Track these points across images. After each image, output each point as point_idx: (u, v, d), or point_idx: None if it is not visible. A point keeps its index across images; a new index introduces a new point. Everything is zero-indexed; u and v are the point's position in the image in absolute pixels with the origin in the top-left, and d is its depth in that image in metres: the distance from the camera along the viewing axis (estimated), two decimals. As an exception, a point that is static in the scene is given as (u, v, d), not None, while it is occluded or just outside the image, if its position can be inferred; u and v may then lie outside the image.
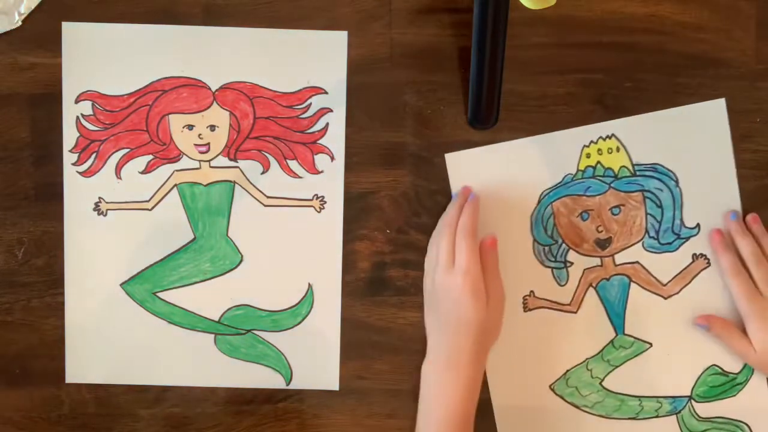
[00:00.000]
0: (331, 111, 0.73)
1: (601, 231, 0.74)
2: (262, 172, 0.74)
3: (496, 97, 0.71)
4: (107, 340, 0.75)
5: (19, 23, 0.72)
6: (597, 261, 0.74)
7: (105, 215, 0.74)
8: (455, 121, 0.74)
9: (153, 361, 0.75)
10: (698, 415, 0.75)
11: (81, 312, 0.75)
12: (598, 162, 0.73)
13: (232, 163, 0.74)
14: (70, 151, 0.74)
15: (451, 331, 0.68)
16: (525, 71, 0.73)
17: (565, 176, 0.74)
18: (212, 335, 0.75)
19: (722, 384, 0.75)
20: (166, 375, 0.76)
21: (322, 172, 0.74)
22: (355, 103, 0.73)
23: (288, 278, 0.75)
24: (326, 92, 0.73)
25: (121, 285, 0.75)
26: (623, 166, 0.73)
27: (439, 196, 0.74)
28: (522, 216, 0.74)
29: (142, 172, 0.74)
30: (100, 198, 0.74)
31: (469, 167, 0.73)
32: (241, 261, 0.75)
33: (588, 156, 0.73)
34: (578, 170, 0.73)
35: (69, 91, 0.73)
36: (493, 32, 0.67)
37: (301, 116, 0.73)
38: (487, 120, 0.73)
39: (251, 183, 0.74)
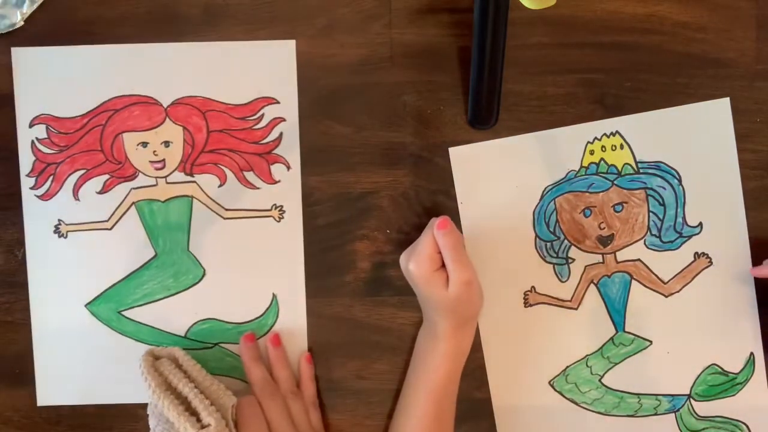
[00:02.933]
0: (284, 120, 0.73)
1: (604, 228, 0.74)
2: (219, 185, 0.74)
3: (496, 97, 0.71)
4: (76, 361, 0.75)
5: (22, 23, 0.72)
6: (599, 258, 0.74)
7: (65, 237, 0.74)
8: (455, 121, 0.74)
9: (124, 380, 0.75)
10: (697, 414, 0.75)
11: (48, 335, 0.75)
12: (602, 159, 0.73)
13: (189, 178, 0.74)
14: (27, 175, 0.74)
15: (425, 309, 0.72)
16: (525, 71, 0.73)
17: (569, 172, 0.74)
18: None
19: (722, 383, 0.75)
20: (137, 393, 0.75)
21: (279, 181, 0.74)
22: (355, 103, 0.73)
23: (252, 289, 0.75)
24: (278, 102, 0.73)
25: (85, 306, 0.75)
26: (627, 164, 0.73)
27: (439, 196, 0.74)
28: (524, 211, 0.74)
29: (100, 192, 0.74)
30: (59, 220, 0.74)
31: (472, 162, 0.73)
32: (203, 275, 0.75)
33: (591, 153, 0.73)
34: (581, 167, 0.73)
35: (23, 116, 0.73)
36: (493, 32, 0.67)
37: (255, 127, 0.73)
38: (487, 120, 0.73)
39: (209, 197, 0.74)
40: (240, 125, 0.74)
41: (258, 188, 0.74)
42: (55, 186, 0.74)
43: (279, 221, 0.74)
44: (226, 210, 0.74)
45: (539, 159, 0.73)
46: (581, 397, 0.75)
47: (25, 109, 0.73)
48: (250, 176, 0.74)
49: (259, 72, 0.73)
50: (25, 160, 0.74)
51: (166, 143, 0.74)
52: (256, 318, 0.75)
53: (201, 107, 0.73)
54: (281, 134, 0.74)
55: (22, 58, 0.73)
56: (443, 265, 0.68)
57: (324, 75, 0.73)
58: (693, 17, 0.73)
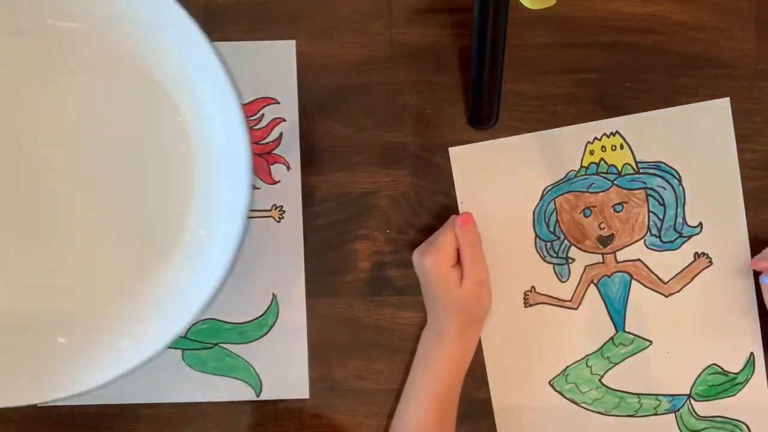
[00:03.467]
0: (284, 120, 0.73)
1: (604, 228, 0.74)
2: None
3: (496, 97, 0.71)
4: None
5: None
6: (599, 258, 0.74)
7: None
8: (455, 121, 0.74)
9: (124, 380, 0.75)
10: (697, 414, 0.75)
11: None
12: (602, 159, 0.73)
13: None
14: None
15: (433, 308, 0.72)
16: (525, 71, 0.73)
17: (569, 172, 0.74)
18: (180, 351, 0.75)
19: (722, 383, 0.75)
20: (137, 393, 0.75)
21: (279, 182, 0.74)
22: (355, 103, 0.73)
23: (252, 289, 0.74)
24: (278, 102, 0.73)
25: None
26: (627, 164, 0.73)
27: (439, 196, 0.74)
28: (524, 211, 0.74)
29: None
30: None
31: (472, 162, 0.73)
32: None
33: (592, 153, 0.73)
34: (581, 167, 0.74)
35: None
36: (493, 32, 0.67)
37: (255, 127, 0.74)
38: (487, 120, 0.73)
39: None
40: None
41: (258, 188, 0.74)
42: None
43: (279, 221, 0.74)
44: None
45: (539, 159, 0.73)
46: (581, 397, 0.75)
47: None
48: (250, 176, 0.74)
49: (259, 72, 0.73)
50: None
51: None
52: (256, 318, 0.75)
53: None
54: (281, 134, 0.74)
55: None
56: (457, 263, 0.68)
57: (324, 75, 0.73)
58: (693, 17, 0.73)
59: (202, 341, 0.75)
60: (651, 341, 0.75)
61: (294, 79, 0.73)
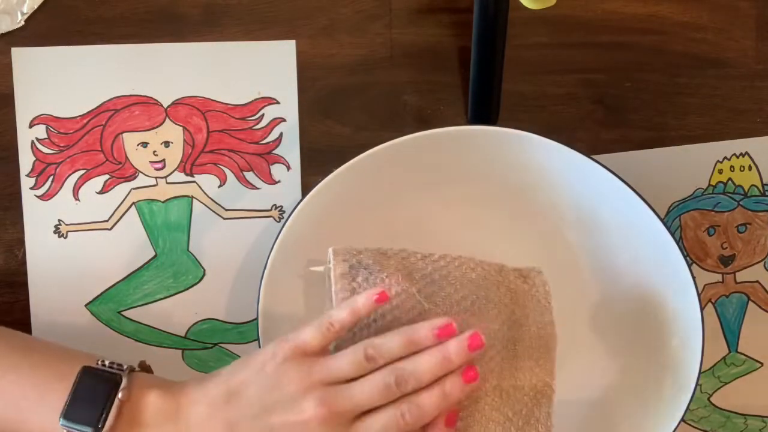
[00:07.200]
0: (285, 120, 0.73)
1: (726, 248, 0.73)
2: (219, 185, 0.74)
3: (496, 97, 0.71)
4: None
5: (22, 23, 0.72)
6: (718, 277, 0.74)
7: (66, 237, 0.74)
8: (455, 121, 0.74)
9: None
10: (801, 440, 0.75)
11: (48, 335, 0.74)
12: (730, 179, 0.73)
13: (189, 178, 0.74)
14: (27, 175, 0.74)
15: None
16: (525, 71, 0.73)
17: (696, 190, 0.73)
18: (180, 351, 0.75)
19: (829, 409, 0.74)
20: None
21: (279, 182, 0.74)
22: (355, 103, 0.73)
23: (251, 289, 0.73)
24: (278, 102, 0.73)
25: (85, 306, 0.74)
26: (753, 185, 0.73)
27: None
28: None
29: (100, 192, 0.74)
30: (59, 221, 0.74)
31: None
32: (203, 275, 0.74)
33: (720, 172, 0.73)
34: (709, 185, 0.73)
35: (22, 116, 0.73)
36: (493, 32, 0.67)
37: (255, 127, 0.73)
38: (487, 120, 0.73)
39: (209, 197, 0.74)
40: (240, 125, 0.74)
41: (258, 188, 0.74)
42: (55, 186, 0.74)
43: (278, 221, 0.74)
44: (226, 210, 0.74)
45: (667, 174, 0.73)
46: (689, 415, 0.74)
47: (25, 109, 0.73)
48: (250, 176, 0.74)
49: (259, 72, 0.73)
50: (25, 160, 0.74)
51: (166, 143, 0.74)
52: (256, 318, 0.75)
53: (201, 107, 0.73)
54: (281, 134, 0.74)
55: (22, 58, 0.73)
56: None
57: (324, 75, 0.73)
58: (693, 17, 0.73)
59: (201, 341, 0.75)
60: (762, 363, 0.74)
61: (294, 79, 0.73)
